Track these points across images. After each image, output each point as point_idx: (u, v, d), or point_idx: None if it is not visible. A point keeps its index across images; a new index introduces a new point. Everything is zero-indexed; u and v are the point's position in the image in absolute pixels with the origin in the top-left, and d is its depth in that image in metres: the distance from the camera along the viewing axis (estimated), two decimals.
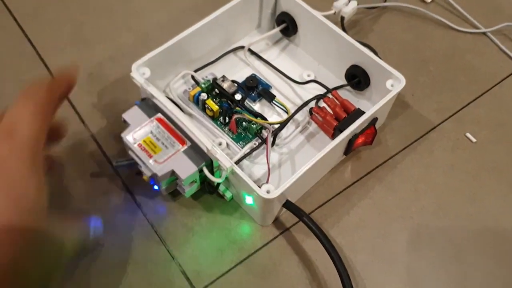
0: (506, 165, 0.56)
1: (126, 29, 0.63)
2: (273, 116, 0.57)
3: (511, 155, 0.56)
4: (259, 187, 0.45)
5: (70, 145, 0.54)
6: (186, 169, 0.46)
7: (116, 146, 0.53)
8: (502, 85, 0.62)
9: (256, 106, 0.57)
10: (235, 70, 0.60)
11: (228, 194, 0.51)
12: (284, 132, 0.54)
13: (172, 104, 0.49)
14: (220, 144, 0.54)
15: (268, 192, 0.45)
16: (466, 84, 0.62)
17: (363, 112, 0.51)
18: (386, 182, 0.54)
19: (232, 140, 0.54)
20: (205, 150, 0.47)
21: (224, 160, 0.45)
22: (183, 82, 0.58)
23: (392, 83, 0.52)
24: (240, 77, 0.59)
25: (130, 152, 0.48)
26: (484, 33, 0.67)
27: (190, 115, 0.55)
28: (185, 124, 0.47)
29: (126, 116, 0.49)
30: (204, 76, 0.58)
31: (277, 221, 0.51)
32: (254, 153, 0.52)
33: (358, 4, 0.62)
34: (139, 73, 0.51)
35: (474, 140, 0.57)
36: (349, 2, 0.62)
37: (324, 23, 0.56)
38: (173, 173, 0.47)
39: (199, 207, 0.51)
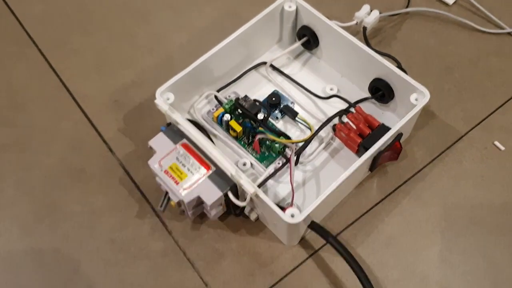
0: None
1: (148, 53, 0.64)
2: (296, 133, 0.57)
3: None
4: (283, 208, 0.45)
5: (100, 175, 0.55)
6: (212, 194, 0.47)
7: (144, 172, 0.54)
8: None
9: (279, 124, 0.57)
10: (258, 87, 0.60)
11: (253, 216, 0.51)
12: (307, 149, 0.54)
13: (196, 130, 0.49)
14: (244, 164, 0.54)
15: (292, 216, 0.45)
16: (492, 89, 0.61)
17: (388, 128, 0.50)
18: (414, 196, 0.53)
19: (256, 160, 0.54)
20: (229, 175, 0.47)
21: (248, 185, 0.46)
22: (206, 102, 0.58)
23: (416, 97, 0.52)
24: (263, 94, 0.59)
25: (157, 179, 0.49)
26: (509, 33, 0.65)
27: (214, 135, 0.56)
28: (209, 150, 0.48)
29: (152, 143, 0.50)
30: (227, 95, 0.58)
31: (304, 240, 0.51)
32: (278, 172, 0.52)
33: (380, 13, 0.62)
34: (163, 98, 0.51)
35: (502, 148, 0.56)
36: (371, 11, 0.61)
37: (345, 36, 0.55)
38: (199, 198, 0.47)
39: (226, 229, 0.52)
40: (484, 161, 0.56)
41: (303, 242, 0.51)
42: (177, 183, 0.47)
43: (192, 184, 0.47)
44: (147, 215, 0.53)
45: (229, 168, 0.47)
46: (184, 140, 0.50)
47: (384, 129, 0.51)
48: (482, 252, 0.50)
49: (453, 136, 0.57)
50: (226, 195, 0.48)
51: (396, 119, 0.56)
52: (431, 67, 0.62)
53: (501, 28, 0.66)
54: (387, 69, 0.53)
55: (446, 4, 0.68)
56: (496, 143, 0.57)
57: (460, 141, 0.57)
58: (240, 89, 0.59)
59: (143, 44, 0.65)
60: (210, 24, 0.66)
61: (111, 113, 0.59)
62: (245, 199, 0.48)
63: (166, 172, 0.48)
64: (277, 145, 0.53)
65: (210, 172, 0.48)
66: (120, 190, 0.54)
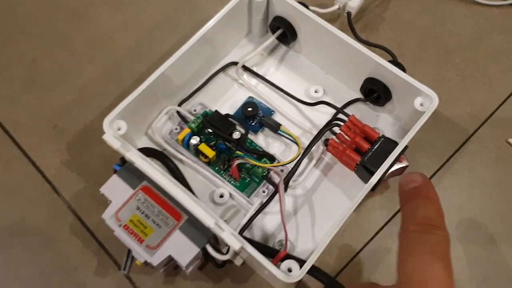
0: None
1: (88, 61, 0.52)
2: (280, 149, 0.47)
3: None
4: (275, 253, 0.37)
5: (45, 224, 0.45)
6: (187, 252, 0.38)
7: (99, 214, 0.44)
8: None
9: (259, 139, 0.48)
10: (229, 94, 0.50)
11: (238, 261, 0.42)
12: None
13: (159, 172, 0.39)
14: (221, 196, 0.45)
15: (289, 271, 0.37)
16: (499, 74, 0.52)
17: (392, 143, 0.42)
18: None
19: (235, 189, 0.45)
20: (208, 227, 0.38)
21: (232, 240, 0.36)
22: (167, 118, 0.48)
23: (421, 101, 0.43)
24: (236, 102, 0.49)
25: (116, 234, 0.39)
26: None
27: (181, 161, 0.46)
28: (179, 198, 0.38)
29: (105, 190, 0.40)
30: (192, 108, 0.48)
31: (301, 284, 0.43)
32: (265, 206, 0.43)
33: None
34: (113, 130, 0.41)
35: None
36: None
37: (327, 28, 0.45)
38: (171, 257, 0.38)
39: (207, 280, 0.43)
40: (498, 164, 0.48)
41: (300, 285, 0.43)
42: (141, 241, 0.38)
43: (161, 241, 0.38)
44: (109, 270, 0.43)
45: (206, 219, 0.37)
46: (145, 182, 0.40)
47: (387, 143, 0.42)
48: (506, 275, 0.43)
49: (460, 136, 0.49)
50: (204, 249, 0.39)
51: (394, 123, 0.48)
52: (428, 52, 0.53)
53: None
54: (382, 67, 0.44)
55: None
56: (510, 140, 0.49)
57: (469, 141, 0.49)
58: (207, 99, 0.49)
59: (81, 50, 0.53)
60: (161, 19, 0.54)
61: (51, 142, 0.48)
62: (228, 251, 0.39)
63: (126, 227, 0.38)
64: (260, 170, 0.44)
65: (182, 221, 0.39)
66: (72, 241, 0.44)
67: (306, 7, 0.48)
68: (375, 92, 0.46)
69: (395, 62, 0.47)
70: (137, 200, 0.39)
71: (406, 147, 0.43)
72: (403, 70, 0.46)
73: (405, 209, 0.33)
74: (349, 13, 0.51)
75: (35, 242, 0.44)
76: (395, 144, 0.42)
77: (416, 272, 0.29)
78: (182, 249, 0.38)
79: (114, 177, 0.40)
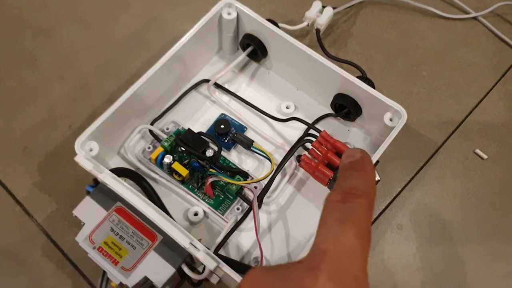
0: None
1: (57, 80, 0.51)
2: (254, 165, 0.48)
3: None
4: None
5: (17, 248, 0.44)
6: (162, 272, 0.38)
7: (72, 236, 0.43)
8: (504, 81, 0.55)
9: (232, 155, 0.48)
10: (201, 112, 0.50)
11: (214, 279, 0.42)
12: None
13: (133, 192, 0.39)
14: (196, 214, 0.45)
15: None
16: (465, 85, 0.54)
17: None
18: (396, 228, 0.46)
19: (209, 207, 0.45)
20: (183, 247, 0.38)
21: (208, 260, 0.37)
22: (140, 137, 0.48)
23: (390, 116, 0.44)
24: (208, 120, 0.49)
25: (90, 256, 0.39)
26: (475, 18, 0.58)
27: (155, 180, 0.46)
28: (153, 218, 0.38)
29: (78, 212, 0.39)
30: (165, 126, 0.48)
31: None
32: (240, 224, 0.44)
33: (333, 8, 0.53)
34: (85, 151, 0.41)
35: (485, 156, 0.50)
36: (323, 8, 0.52)
37: (297, 46, 0.46)
38: (146, 279, 0.38)
39: None
40: (467, 174, 0.49)
41: None
42: (115, 262, 0.38)
43: (136, 262, 0.38)
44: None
45: (181, 239, 0.37)
46: (119, 204, 0.40)
47: None
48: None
49: (429, 148, 0.50)
50: (180, 269, 0.38)
51: (365, 137, 0.49)
52: (395, 66, 0.54)
53: (466, 12, 0.58)
54: (351, 83, 0.45)
55: None
56: (478, 151, 0.50)
57: (438, 153, 0.50)
58: (180, 116, 0.49)
59: (49, 70, 0.52)
60: (129, 37, 0.54)
61: (21, 164, 0.47)
62: (204, 270, 0.39)
63: (100, 249, 0.38)
64: (233, 187, 0.44)
65: (157, 242, 0.39)
66: (45, 264, 0.44)
67: (276, 24, 0.49)
68: (346, 107, 0.47)
69: (364, 77, 0.48)
70: (111, 222, 0.39)
71: (377, 161, 0.43)
72: (372, 85, 0.47)
73: (337, 181, 0.31)
74: (317, 30, 0.51)
75: (7, 266, 0.43)
76: None
77: (323, 242, 0.27)
78: (158, 270, 0.38)
79: (87, 198, 0.40)
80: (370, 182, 0.30)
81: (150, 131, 0.47)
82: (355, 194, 0.29)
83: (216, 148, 0.45)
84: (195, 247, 0.37)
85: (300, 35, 0.55)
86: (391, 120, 0.44)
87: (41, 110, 0.50)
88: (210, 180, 0.44)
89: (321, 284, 0.24)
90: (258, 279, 0.28)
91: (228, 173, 0.45)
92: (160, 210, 0.38)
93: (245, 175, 0.46)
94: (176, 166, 0.44)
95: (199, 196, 0.45)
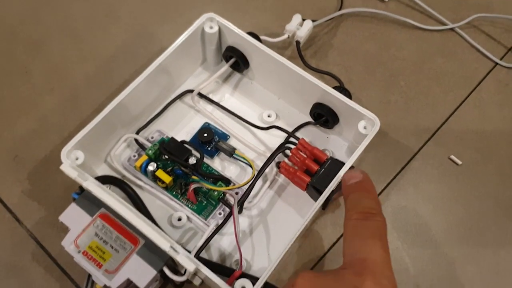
0: (497, 187, 0.50)
1: (47, 92, 0.53)
2: (236, 172, 0.50)
3: (498, 174, 0.51)
4: (231, 272, 0.40)
5: (7, 252, 0.46)
6: (144, 275, 0.39)
7: (60, 241, 0.45)
8: (479, 90, 0.56)
9: (215, 163, 0.50)
10: (185, 121, 0.52)
11: (197, 281, 0.44)
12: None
13: (116, 199, 0.41)
14: (179, 219, 0.47)
15: None
16: (441, 95, 0.56)
17: (339, 164, 0.44)
18: None
19: (193, 212, 0.47)
20: (164, 250, 0.39)
21: (187, 262, 0.38)
22: (126, 146, 0.50)
23: (365, 124, 0.46)
24: (192, 128, 0.51)
25: (75, 260, 0.40)
26: (452, 29, 0.60)
27: (140, 187, 0.48)
28: (135, 223, 0.40)
29: (63, 218, 0.41)
30: (150, 135, 0.50)
31: None
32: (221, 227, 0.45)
33: (313, 21, 0.55)
34: (71, 160, 0.43)
35: (459, 162, 0.52)
36: (303, 21, 0.54)
37: (277, 59, 0.48)
38: (129, 281, 0.39)
39: None
40: (441, 180, 0.51)
41: None
42: (99, 265, 0.39)
43: (119, 265, 0.39)
44: None
45: (162, 243, 0.39)
46: (103, 210, 0.41)
47: (335, 164, 0.45)
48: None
49: (406, 155, 0.52)
50: (161, 271, 0.40)
51: (343, 144, 0.51)
52: (374, 77, 0.56)
53: (443, 24, 0.61)
54: (328, 94, 0.47)
55: (382, 1, 0.62)
56: (452, 157, 0.52)
57: (414, 159, 0.52)
58: (164, 126, 0.51)
59: (40, 81, 0.54)
60: (118, 50, 0.56)
61: (12, 173, 0.49)
62: (185, 272, 0.40)
63: (85, 253, 0.40)
64: (215, 193, 0.46)
65: (139, 246, 0.40)
66: (34, 269, 0.45)
67: (257, 37, 0.51)
68: (323, 116, 0.49)
69: (341, 87, 0.50)
70: (95, 227, 0.41)
71: (352, 167, 0.45)
72: (349, 95, 0.49)
73: (348, 201, 0.39)
74: (297, 42, 0.53)
75: None
76: (342, 164, 0.44)
77: (359, 252, 0.34)
78: (140, 272, 0.39)
79: (73, 205, 0.42)
80: (378, 200, 0.39)
81: (136, 140, 0.49)
82: (373, 213, 0.37)
83: (198, 156, 0.47)
84: (175, 250, 0.39)
85: (282, 47, 0.57)
86: (365, 128, 0.46)
87: (32, 120, 0.52)
88: (193, 186, 0.45)
89: (368, 286, 0.32)
90: (313, 280, 0.34)
91: (211, 179, 0.47)
92: (142, 215, 0.40)
93: (227, 181, 0.47)
94: (160, 173, 0.46)
95: (182, 202, 0.47)
